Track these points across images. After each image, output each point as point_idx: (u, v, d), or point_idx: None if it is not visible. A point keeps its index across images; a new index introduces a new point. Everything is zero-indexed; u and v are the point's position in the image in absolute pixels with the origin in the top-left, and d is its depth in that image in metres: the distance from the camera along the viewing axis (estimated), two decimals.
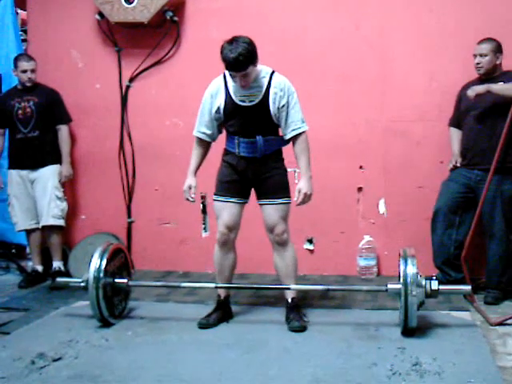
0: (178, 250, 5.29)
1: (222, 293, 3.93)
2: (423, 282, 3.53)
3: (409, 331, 3.49)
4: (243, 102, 3.68)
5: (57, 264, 5.09)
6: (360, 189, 4.96)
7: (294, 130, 3.71)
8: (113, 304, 3.89)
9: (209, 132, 3.86)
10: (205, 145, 3.92)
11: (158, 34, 5.18)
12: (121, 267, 4.02)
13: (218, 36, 5.02)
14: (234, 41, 3.52)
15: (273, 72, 3.72)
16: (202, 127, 3.87)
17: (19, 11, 5.96)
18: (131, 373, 3.11)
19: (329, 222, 4.99)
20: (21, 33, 5.82)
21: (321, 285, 3.99)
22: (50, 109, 5.04)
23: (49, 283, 4.99)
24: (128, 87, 5.32)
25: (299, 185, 3.73)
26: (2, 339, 3.65)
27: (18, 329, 3.84)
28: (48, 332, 3.75)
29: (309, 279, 4.80)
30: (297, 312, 3.78)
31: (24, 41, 5.77)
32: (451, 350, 3.25)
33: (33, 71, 4.97)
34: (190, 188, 3.86)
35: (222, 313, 3.89)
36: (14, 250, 5.83)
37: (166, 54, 5.22)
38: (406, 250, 3.64)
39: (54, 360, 3.26)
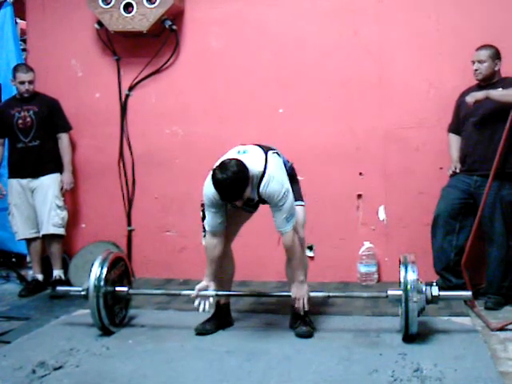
0: (178, 257, 5.29)
1: (221, 299, 3.93)
2: (423, 289, 3.53)
3: (409, 337, 3.48)
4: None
5: (57, 273, 5.09)
6: (360, 195, 4.96)
7: (277, 227, 3.58)
8: (113, 312, 3.88)
9: (221, 223, 3.68)
10: (218, 237, 3.73)
11: (156, 43, 5.20)
12: (121, 276, 4.02)
13: (217, 44, 5.13)
14: (224, 170, 3.36)
15: (263, 174, 3.51)
16: (213, 223, 3.68)
17: (19, 21, 5.98)
18: (132, 381, 3.11)
19: (329, 229, 4.99)
20: (20, 42, 5.85)
21: (321, 291, 3.98)
22: (50, 118, 5.06)
23: (49, 292, 5.00)
24: (127, 96, 5.33)
25: (292, 291, 3.70)
26: (2, 348, 3.65)
27: (19, 338, 3.83)
28: (49, 341, 3.74)
29: (309, 286, 4.78)
30: (303, 318, 3.77)
31: (24, 50, 5.79)
32: (452, 356, 3.25)
33: (30, 82, 4.98)
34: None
35: (220, 319, 3.89)
36: (14, 259, 5.84)
37: (165, 62, 5.24)
38: (406, 256, 3.64)
39: (55, 369, 3.26)
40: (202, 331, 3.78)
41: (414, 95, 4.83)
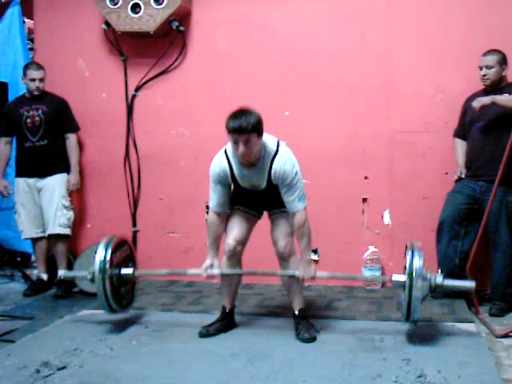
0: (182, 259, 5.28)
1: (228, 305, 3.92)
2: (428, 276, 3.51)
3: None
4: (250, 187, 3.73)
5: (62, 272, 5.08)
6: (365, 199, 4.96)
7: (289, 208, 3.66)
8: (120, 295, 3.90)
9: (225, 203, 3.79)
10: (221, 217, 3.83)
11: (163, 44, 5.20)
12: (126, 259, 4.02)
13: (224, 46, 5.12)
14: (241, 109, 3.54)
15: (276, 152, 3.62)
16: (218, 201, 3.78)
17: (26, 20, 6.00)
18: (136, 382, 3.10)
19: (333, 233, 4.99)
20: (28, 41, 5.86)
21: (325, 273, 3.93)
22: (59, 117, 5.07)
23: (53, 291, 5.01)
24: (134, 96, 5.34)
25: (299, 271, 3.70)
26: (6, 347, 3.65)
27: (23, 337, 3.84)
28: (53, 340, 3.74)
29: (313, 289, 4.79)
30: (305, 323, 3.77)
31: (31, 49, 5.81)
32: (456, 362, 3.23)
33: (41, 80, 5.00)
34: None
35: (224, 324, 3.88)
36: (19, 258, 5.86)
37: (172, 63, 5.24)
38: (413, 242, 3.60)
39: (59, 369, 3.25)
40: (205, 335, 3.77)
41: (420, 100, 4.83)
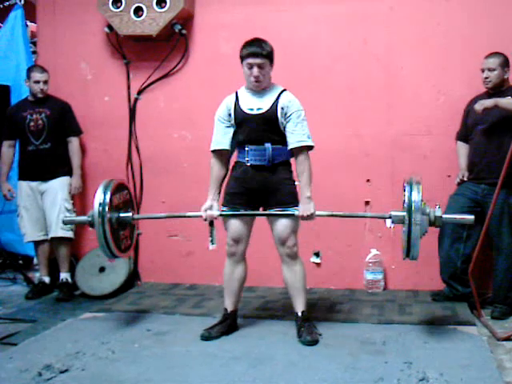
0: (185, 262, 5.29)
1: (229, 307, 3.92)
2: (427, 210, 3.46)
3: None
4: (251, 109, 3.73)
5: (64, 275, 5.10)
6: (367, 202, 4.96)
7: (297, 141, 3.71)
8: (119, 238, 3.89)
9: (225, 141, 3.83)
10: (222, 160, 3.90)
11: (166, 47, 5.21)
12: (126, 203, 4.01)
13: (227, 49, 5.13)
14: (255, 38, 3.75)
15: (284, 90, 3.79)
16: (217, 139, 3.86)
17: (29, 23, 6.02)
18: None
19: (336, 236, 4.99)
20: (30, 45, 5.88)
21: (324, 212, 3.82)
22: (62, 121, 5.08)
23: (56, 294, 5.02)
24: (136, 100, 5.34)
25: (299, 208, 3.72)
26: (8, 350, 3.66)
27: (25, 340, 3.84)
28: (55, 343, 3.74)
29: (315, 292, 4.80)
30: (308, 325, 3.77)
31: (34, 53, 5.82)
32: (458, 365, 3.23)
33: (45, 82, 5.01)
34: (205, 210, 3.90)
35: (226, 326, 3.87)
36: (21, 261, 5.87)
37: (174, 67, 5.25)
38: (411, 177, 3.56)
39: (61, 372, 3.26)
40: (207, 337, 3.77)
41: (422, 103, 4.84)
